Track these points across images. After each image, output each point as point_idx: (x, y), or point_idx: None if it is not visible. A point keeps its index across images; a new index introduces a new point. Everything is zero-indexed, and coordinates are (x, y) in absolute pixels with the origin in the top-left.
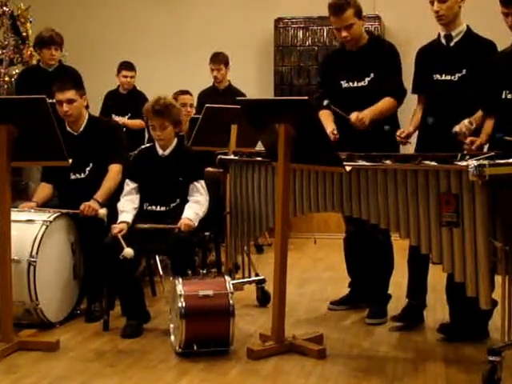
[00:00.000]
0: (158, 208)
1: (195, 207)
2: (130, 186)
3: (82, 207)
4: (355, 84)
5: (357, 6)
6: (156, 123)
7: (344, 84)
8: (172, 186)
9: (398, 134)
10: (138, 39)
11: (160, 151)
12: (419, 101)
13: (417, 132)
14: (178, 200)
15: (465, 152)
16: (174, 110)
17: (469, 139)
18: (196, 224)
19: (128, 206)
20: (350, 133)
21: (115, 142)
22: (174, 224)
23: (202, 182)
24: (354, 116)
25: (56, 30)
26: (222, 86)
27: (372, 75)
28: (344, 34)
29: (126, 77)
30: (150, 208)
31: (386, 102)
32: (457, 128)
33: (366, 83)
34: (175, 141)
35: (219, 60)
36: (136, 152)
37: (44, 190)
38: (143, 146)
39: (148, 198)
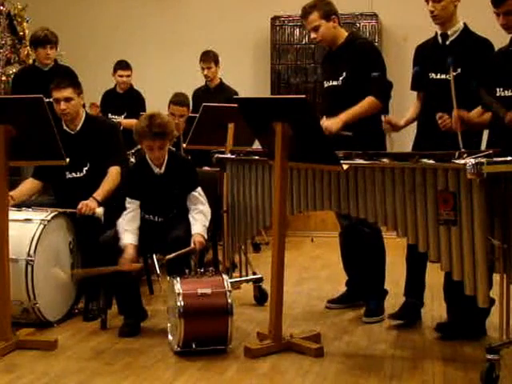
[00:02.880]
0: (156, 219)
1: (202, 219)
2: (131, 204)
3: (79, 206)
4: (331, 83)
5: (324, 8)
6: (155, 144)
7: (325, 84)
8: (169, 200)
9: (385, 119)
10: (134, 38)
11: (155, 169)
12: (418, 97)
13: (415, 130)
14: (175, 210)
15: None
16: (171, 126)
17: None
18: (206, 236)
19: (131, 226)
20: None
21: (114, 143)
22: (173, 230)
23: (199, 189)
24: (323, 123)
25: (51, 29)
26: (213, 84)
27: (344, 74)
28: (313, 35)
29: (121, 76)
30: (147, 217)
31: (364, 103)
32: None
33: (340, 82)
34: (166, 153)
35: (209, 58)
36: (130, 169)
37: (27, 185)
38: (134, 163)
39: (146, 210)
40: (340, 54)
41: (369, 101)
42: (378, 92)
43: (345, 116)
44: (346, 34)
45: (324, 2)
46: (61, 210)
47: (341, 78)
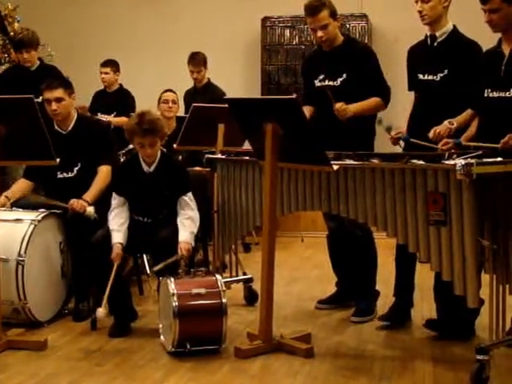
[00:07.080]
0: (146, 220)
1: (190, 225)
2: (116, 200)
3: (71, 201)
4: (327, 83)
5: (331, 7)
6: (146, 141)
7: (317, 83)
8: (159, 201)
9: (392, 134)
10: (126, 39)
11: (145, 168)
12: (415, 98)
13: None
14: (164, 211)
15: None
16: (161, 123)
17: (443, 141)
18: (193, 244)
19: (117, 224)
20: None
21: (105, 142)
22: (161, 231)
23: (190, 194)
24: (338, 104)
25: (31, 30)
26: (201, 84)
27: (344, 76)
28: (320, 33)
29: (101, 73)
30: (137, 218)
31: (372, 101)
32: (431, 133)
33: (338, 83)
34: (159, 154)
35: (199, 62)
36: (120, 165)
37: (20, 185)
38: (126, 159)
39: (135, 210)
40: (339, 56)
41: (377, 101)
42: (385, 95)
43: (356, 109)
44: (342, 36)
45: (329, 1)
46: (51, 201)
47: (340, 80)
